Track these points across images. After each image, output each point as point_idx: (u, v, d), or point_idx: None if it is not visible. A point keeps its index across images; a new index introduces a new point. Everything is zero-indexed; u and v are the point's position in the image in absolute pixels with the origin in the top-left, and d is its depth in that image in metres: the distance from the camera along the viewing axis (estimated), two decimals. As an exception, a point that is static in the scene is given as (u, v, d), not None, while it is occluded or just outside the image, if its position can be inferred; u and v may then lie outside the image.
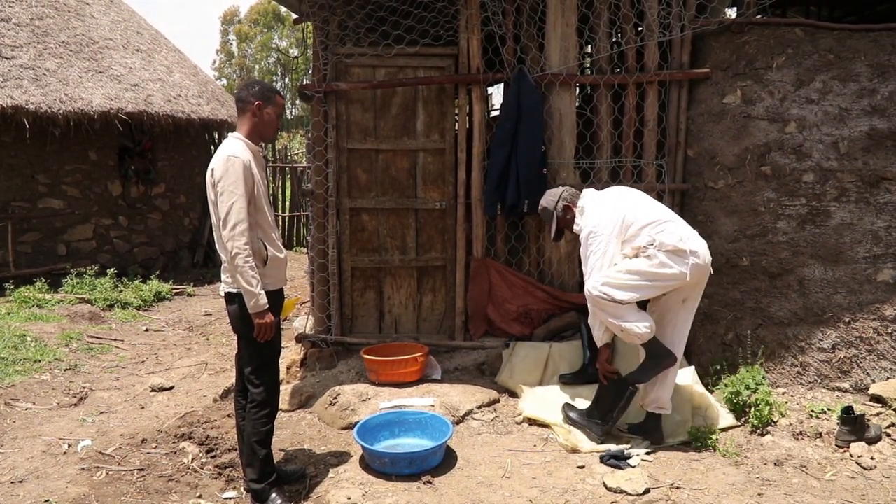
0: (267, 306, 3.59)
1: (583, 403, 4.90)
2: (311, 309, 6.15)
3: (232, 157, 3.54)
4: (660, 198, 5.60)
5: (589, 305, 4.39)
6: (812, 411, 4.62)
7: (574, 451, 4.43)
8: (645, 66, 5.56)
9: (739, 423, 4.68)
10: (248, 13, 54.85)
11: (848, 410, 4.38)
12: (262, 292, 3.56)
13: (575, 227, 4.58)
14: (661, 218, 4.31)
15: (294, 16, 6.04)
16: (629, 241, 4.30)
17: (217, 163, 3.56)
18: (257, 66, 53.34)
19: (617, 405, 4.46)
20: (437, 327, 6.05)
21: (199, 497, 3.94)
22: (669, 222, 4.29)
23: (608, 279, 4.24)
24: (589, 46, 6.19)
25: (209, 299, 9.75)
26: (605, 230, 4.30)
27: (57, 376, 6.07)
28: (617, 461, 4.21)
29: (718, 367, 5.12)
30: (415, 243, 5.96)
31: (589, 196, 4.61)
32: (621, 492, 3.86)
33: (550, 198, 4.68)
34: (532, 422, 4.86)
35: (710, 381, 5.10)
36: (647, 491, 3.86)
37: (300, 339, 5.97)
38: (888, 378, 4.71)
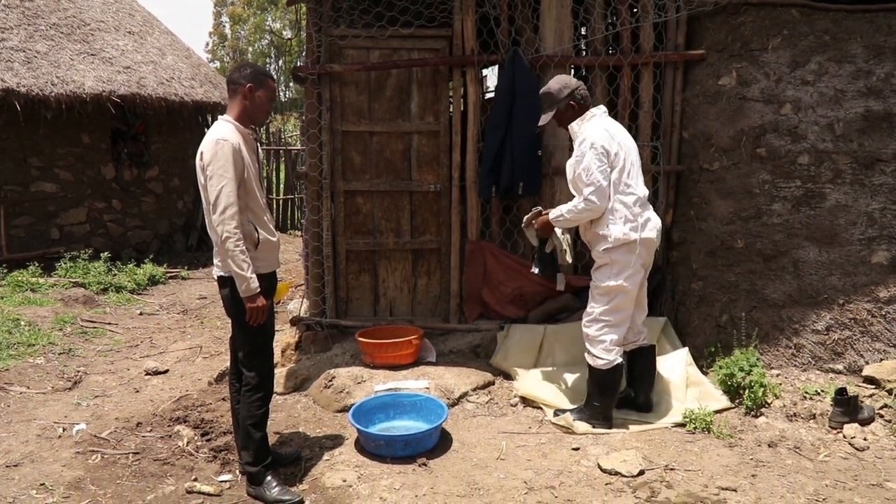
0: (258, 290, 3.58)
1: (576, 385, 4.92)
2: (305, 292, 6.14)
3: (221, 140, 3.51)
4: (654, 180, 5.61)
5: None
6: (806, 393, 4.64)
7: (568, 432, 4.45)
8: (640, 47, 5.53)
9: (734, 405, 4.70)
10: (241, -5, 54.39)
11: (841, 392, 4.40)
12: (254, 276, 3.55)
13: (571, 126, 4.45)
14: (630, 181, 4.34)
15: (287, -3, 5.99)
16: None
17: (206, 146, 3.54)
18: (250, 49, 52.92)
19: (602, 390, 4.46)
20: (431, 310, 6.05)
21: (195, 480, 3.94)
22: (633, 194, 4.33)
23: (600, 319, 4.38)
24: (584, 28, 6.15)
25: (203, 283, 9.72)
26: (607, 147, 4.24)
27: (51, 360, 6.06)
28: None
29: (713, 349, 5.12)
30: (409, 226, 5.94)
31: (600, 111, 4.48)
32: (616, 473, 3.88)
33: (559, 85, 4.44)
34: (526, 401, 4.88)
35: (705, 362, 5.12)
36: (641, 472, 3.88)
37: (295, 322, 5.96)
38: (882, 359, 4.72)
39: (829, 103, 4.86)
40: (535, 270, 4.86)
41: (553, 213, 4.45)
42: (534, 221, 4.67)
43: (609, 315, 4.35)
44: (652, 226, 4.33)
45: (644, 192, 4.37)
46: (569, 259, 4.71)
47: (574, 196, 4.43)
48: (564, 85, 4.43)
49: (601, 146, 4.22)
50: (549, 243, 4.69)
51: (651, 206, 4.45)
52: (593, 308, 4.41)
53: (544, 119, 4.53)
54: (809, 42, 4.93)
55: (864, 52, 4.81)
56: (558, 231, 4.61)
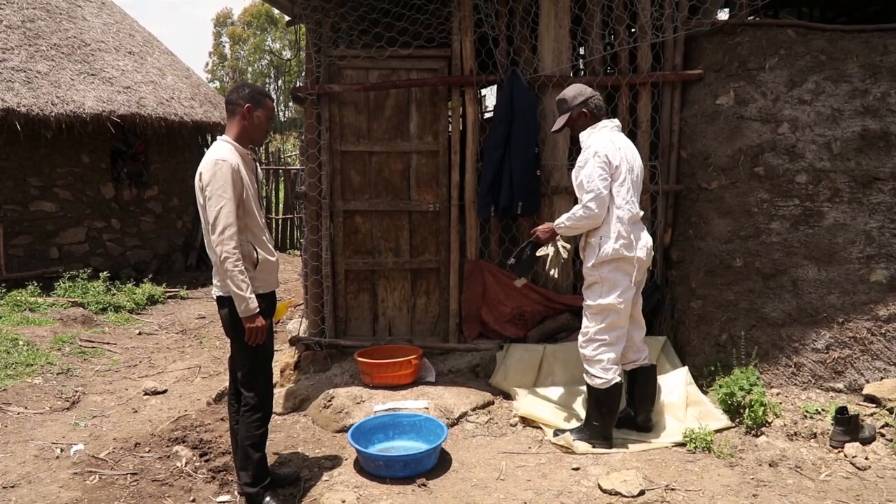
0: (258, 310, 3.58)
1: (576, 405, 4.91)
2: (304, 312, 6.13)
3: (220, 160, 3.52)
4: (653, 199, 5.62)
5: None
6: (806, 412, 4.63)
7: (568, 451, 4.43)
8: (638, 67, 5.57)
9: (734, 424, 4.68)
10: (240, 15, 54.80)
11: (842, 411, 4.38)
12: (253, 296, 3.55)
13: (581, 134, 4.48)
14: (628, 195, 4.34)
15: (287, 18, 6.03)
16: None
17: (205, 167, 3.55)
18: (250, 69, 53.29)
19: (602, 409, 4.45)
20: (430, 329, 6.04)
21: (193, 501, 3.92)
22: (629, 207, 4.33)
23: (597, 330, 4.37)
24: (582, 48, 6.19)
25: (202, 302, 9.71)
26: (610, 157, 4.26)
27: (49, 380, 6.03)
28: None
29: (713, 368, 5.11)
30: (408, 245, 5.94)
31: (612, 123, 4.49)
32: (616, 493, 3.85)
33: (574, 92, 4.48)
34: (526, 421, 4.86)
35: (705, 382, 5.10)
36: (641, 492, 3.86)
37: (294, 341, 5.95)
38: (882, 378, 4.71)
39: (826, 122, 4.89)
40: (511, 261, 4.85)
41: (556, 222, 4.48)
42: (537, 231, 4.67)
43: (604, 334, 4.34)
44: (642, 244, 4.34)
45: (639, 211, 4.38)
46: (554, 274, 4.72)
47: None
48: (579, 92, 4.48)
49: (604, 155, 4.24)
50: (542, 248, 4.70)
51: (644, 226, 4.47)
52: (588, 328, 4.41)
53: (558, 123, 4.58)
54: (806, 62, 4.97)
55: (860, 72, 4.85)
56: (559, 243, 4.62)
